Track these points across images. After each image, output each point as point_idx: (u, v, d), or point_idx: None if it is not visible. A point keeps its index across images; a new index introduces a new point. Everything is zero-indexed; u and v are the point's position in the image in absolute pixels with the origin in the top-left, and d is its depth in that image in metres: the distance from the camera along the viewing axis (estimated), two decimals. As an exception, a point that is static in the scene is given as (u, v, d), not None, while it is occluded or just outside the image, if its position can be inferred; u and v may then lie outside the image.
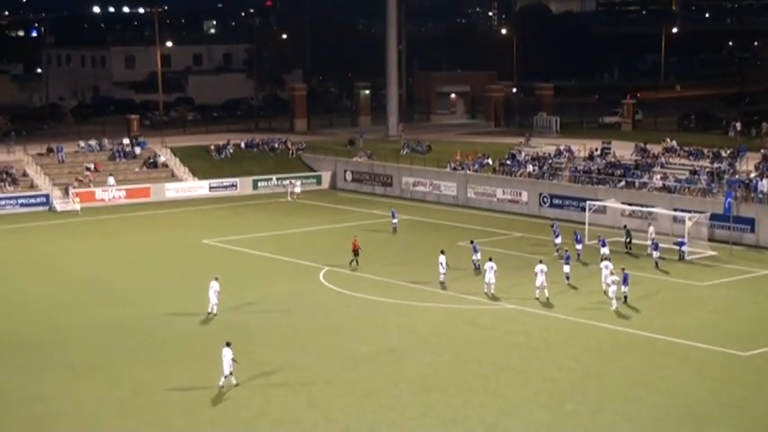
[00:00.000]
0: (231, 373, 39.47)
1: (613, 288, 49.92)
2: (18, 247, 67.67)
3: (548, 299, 51.20)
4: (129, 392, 39.43)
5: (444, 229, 70.92)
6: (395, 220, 69.72)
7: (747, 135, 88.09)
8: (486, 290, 52.74)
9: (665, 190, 70.78)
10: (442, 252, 54.97)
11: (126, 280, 57.73)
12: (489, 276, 52.59)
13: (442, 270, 54.67)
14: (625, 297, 50.36)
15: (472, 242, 58.83)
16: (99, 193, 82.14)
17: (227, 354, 39.50)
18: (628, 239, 62.58)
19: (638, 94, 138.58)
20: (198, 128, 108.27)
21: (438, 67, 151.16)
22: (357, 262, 58.85)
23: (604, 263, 53.15)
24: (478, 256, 56.80)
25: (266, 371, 41.39)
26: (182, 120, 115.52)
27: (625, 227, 64.22)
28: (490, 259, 53.40)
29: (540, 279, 51.40)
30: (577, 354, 43.38)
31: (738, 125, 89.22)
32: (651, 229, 62.19)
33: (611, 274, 50.96)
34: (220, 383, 39.45)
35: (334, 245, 63.61)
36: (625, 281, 50.42)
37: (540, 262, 52.39)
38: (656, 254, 58.71)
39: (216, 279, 49.63)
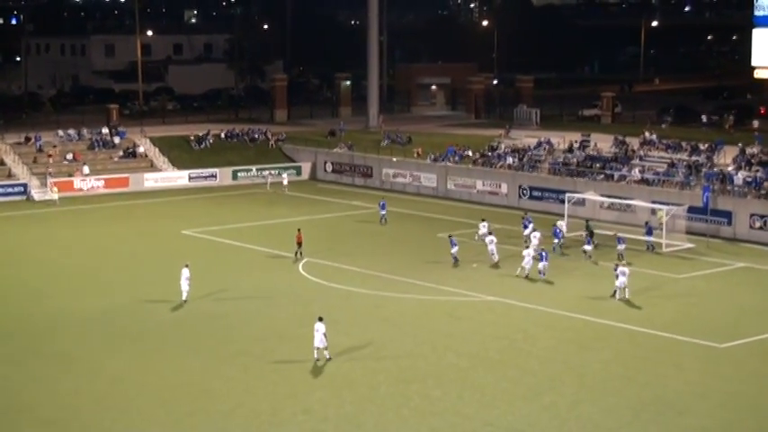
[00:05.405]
0: (326, 348, 40.69)
1: (622, 279, 50.00)
2: (-5, 236, 67.34)
3: (527, 276, 53.48)
4: (106, 383, 39.29)
5: (424, 221, 70.94)
6: (383, 212, 69.60)
7: (720, 127, 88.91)
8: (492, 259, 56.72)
9: (644, 182, 71.01)
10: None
11: (104, 270, 57.49)
12: (492, 248, 56.73)
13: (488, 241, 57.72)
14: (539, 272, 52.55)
15: (450, 236, 58.90)
16: (77, 182, 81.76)
17: (320, 328, 40.57)
18: (588, 232, 61.04)
19: (632, 86, 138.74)
20: (178, 118, 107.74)
21: (419, 58, 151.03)
22: (301, 253, 58.99)
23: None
24: (456, 249, 57.04)
25: (244, 361, 41.40)
26: (161, 109, 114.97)
27: (587, 221, 62.93)
28: (491, 233, 57.49)
29: (527, 260, 53.72)
30: (556, 345, 43.50)
31: (732, 118, 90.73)
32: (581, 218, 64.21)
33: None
34: (315, 356, 40.72)
35: (314, 236, 63.43)
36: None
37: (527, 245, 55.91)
38: (620, 247, 57.66)
39: (186, 266, 49.68)
